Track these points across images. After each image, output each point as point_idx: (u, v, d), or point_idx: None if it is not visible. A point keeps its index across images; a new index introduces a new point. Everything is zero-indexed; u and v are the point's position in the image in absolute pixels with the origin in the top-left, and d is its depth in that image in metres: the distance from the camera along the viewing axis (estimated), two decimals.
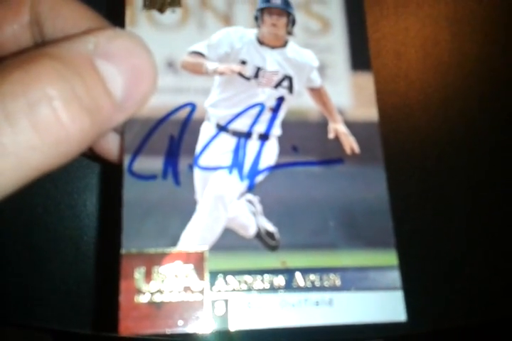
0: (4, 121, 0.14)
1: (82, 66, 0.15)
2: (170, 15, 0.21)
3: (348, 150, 0.20)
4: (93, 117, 0.15)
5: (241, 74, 0.21)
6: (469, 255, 0.33)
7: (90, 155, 0.22)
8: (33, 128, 0.14)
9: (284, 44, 0.22)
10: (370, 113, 0.21)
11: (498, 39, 0.38)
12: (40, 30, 0.21)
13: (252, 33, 0.22)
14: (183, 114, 0.20)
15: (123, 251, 0.18)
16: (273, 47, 0.22)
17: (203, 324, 0.17)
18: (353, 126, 0.21)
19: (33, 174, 0.15)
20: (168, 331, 0.17)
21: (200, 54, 0.21)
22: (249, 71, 0.21)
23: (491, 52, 0.37)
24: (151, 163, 0.19)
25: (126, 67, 0.17)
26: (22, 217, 0.30)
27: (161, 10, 0.22)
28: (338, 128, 0.21)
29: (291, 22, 0.22)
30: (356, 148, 0.20)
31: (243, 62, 0.21)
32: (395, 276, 0.19)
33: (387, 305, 0.18)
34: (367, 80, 0.22)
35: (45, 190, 0.31)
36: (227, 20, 0.22)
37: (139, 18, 0.21)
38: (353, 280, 0.18)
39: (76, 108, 0.15)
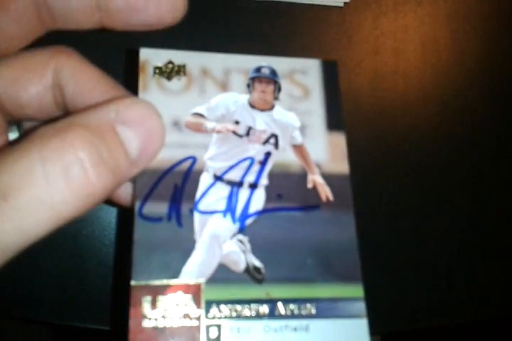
0: (44, 182, 0.17)
1: (106, 133, 0.19)
2: (176, 82, 0.26)
3: (323, 198, 0.24)
4: (114, 174, 0.19)
5: (235, 133, 0.25)
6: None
7: (108, 201, 0.25)
8: (67, 187, 0.17)
9: (271, 107, 0.26)
10: (342, 167, 0.25)
11: (497, 36, 0.38)
12: (61, 91, 0.24)
13: (244, 98, 0.26)
14: (185, 165, 0.24)
15: (132, 282, 0.21)
16: (262, 110, 0.26)
17: None
18: (328, 178, 0.25)
19: (63, 222, 0.18)
20: None
21: (201, 115, 0.25)
22: (241, 130, 0.25)
23: (489, 49, 0.37)
24: (158, 208, 0.23)
25: (142, 130, 0.20)
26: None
27: (169, 78, 0.26)
28: (315, 179, 0.25)
29: (278, 89, 0.27)
30: (331, 197, 0.24)
31: (237, 122, 0.25)
32: (361, 306, 0.22)
33: (354, 331, 0.21)
34: (340, 139, 0.26)
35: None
36: (224, 86, 0.26)
37: (150, 84, 0.25)
38: (326, 309, 0.22)
39: (102, 168, 0.18)
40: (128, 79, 0.26)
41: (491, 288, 0.35)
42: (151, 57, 0.26)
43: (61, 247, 0.32)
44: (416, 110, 0.37)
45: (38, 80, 0.23)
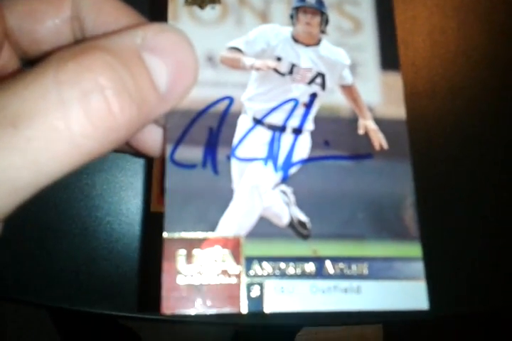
0: (60, 107, 0.15)
1: (130, 59, 0.16)
2: (210, 12, 0.22)
3: (377, 146, 0.21)
4: (140, 108, 0.16)
5: (276, 70, 0.22)
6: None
7: (133, 150, 0.23)
8: (85, 116, 0.15)
9: (318, 42, 0.23)
10: (398, 111, 0.22)
11: (504, 27, 0.38)
12: (80, 25, 0.21)
13: (287, 30, 0.23)
14: (221, 106, 0.21)
15: (165, 234, 0.19)
16: (307, 45, 0.23)
17: (239, 305, 0.18)
18: (381, 123, 0.22)
19: (84, 159, 0.16)
20: (207, 311, 0.18)
21: (238, 49, 0.22)
22: (284, 67, 0.22)
23: (497, 40, 0.38)
24: (192, 153, 0.20)
25: (171, 60, 0.17)
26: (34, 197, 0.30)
27: (202, 6, 0.22)
28: (367, 124, 0.22)
29: (325, 21, 0.23)
30: (385, 145, 0.21)
31: (278, 59, 0.22)
32: (418, 267, 0.20)
33: (410, 294, 0.19)
34: (396, 79, 0.23)
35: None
36: (264, 17, 0.23)
37: (180, 14, 0.22)
38: (380, 269, 0.19)
39: (125, 98, 0.16)
40: (154, 9, 0.22)
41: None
42: None
43: (73, 232, 0.30)
44: (424, 100, 0.37)
45: (55, 12, 0.21)
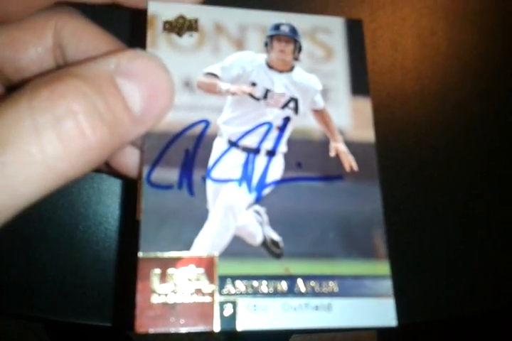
0: (33, 133, 0.15)
1: (103, 84, 0.17)
2: (187, 39, 0.23)
3: (347, 168, 0.22)
4: (112, 129, 0.17)
5: (251, 95, 0.23)
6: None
7: (112, 171, 0.23)
8: (58, 139, 0.16)
9: (291, 69, 0.24)
10: (367, 134, 0.23)
11: (494, 29, 0.38)
12: (62, 53, 0.22)
13: (262, 57, 0.24)
14: (197, 129, 0.22)
15: (140, 254, 0.19)
16: (281, 71, 0.24)
17: (212, 324, 0.18)
18: (352, 146, 0.23)
19: (59, 181, 0.16)
20: (181, 329, 0.18)
21: (214, 75, 0.23)
22: (258, 92, 0.23)
23: (487, 42, 0.38)
24: (168, 174, 0.21)
25: (145, 84, 0.18)
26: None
27: (179, 34, 0.23)
28: (338, 147, 0.23)
29: (298, 49, 0.24)
30: (355, 166, 0.22)
31: (253, 84, 0.23)
32: (387, 285, 0.20)
33: (379, 311, 0.20)
34: (365, 104, 0.24)
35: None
36: (239, 45, 0.24)
37: (159, 41, 0.23)
38: (350, 287, 0.20)
39: (97, 121, 0.16)
40: (134, 36, 0.23)
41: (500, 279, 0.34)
42: (161, 10, 0.23)
43: (59, 241, 0.30)
44: (413, 102, 0.37)
45: (38, 41, 0.21)
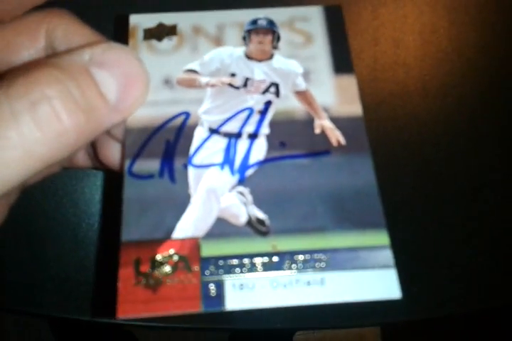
0: (11, 118, 0.16)
1: (78, 72, 0.18)
2: (167, 43, 0.24)
3: (334, 143, 0.21)
4: (88, 115, 0.18)
5: (231, 85, 0.23)
6: (462, 237, 0.32)
7: (94, 165, 0.24)
8: (35, 123, 0.16)
9: (270, 57, 0.24)
10: (354, 108, 0.22)
11: (496, 26, 0.38)
12: (54, 53, 0.24)
13: (240, 50, 0.24)
14: (178, 121, 0.22)
15: (122, 240, 0.19)
16: (260, 60, 0.24)
17: (198, 305, 0.18)
18: (338, 121, 0.22)
19: (38, 165, 0.17)
20: (165, 313, 0.18)
21: (194, 71, 0.24)
22: (238, 81, 0.23)
23: (489, 39, 0.37)
24: (149, 165, 0.21)
25: (119, 73, 0.19)
26: (19, 204, 0.31)
27: (159, 39, 0.24)
28: (323, 123, 0.22)
29: (276, 38, 0.24)
30: (342, 140, 0.21)
31: (233, 75, 0.23)
32: (387, 255, 0.19)
33: (380, 283, 0.18)
34: (350, 81, 0.23)
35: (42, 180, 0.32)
36: (218, 42, 0.24)
37: (140, 47, 0.24)
38: (344, 260, 0.19)
39: (72, 106, 0.17)
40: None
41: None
42: (141, 21, 0.25)
43: (62, 239, 0.31)
44: (416, 100, 0.37)
45: (30, 43, 0.23)
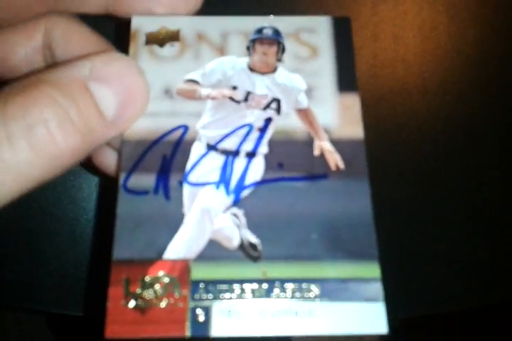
0: (5, 141, 0.16)
1: (76, 90, 0.17)
2: (169, 49, 0.24)
3: (333, 167, 0.21)
4: (85, 135, 0.17)
5: (232, 99, 0.23)
6: (461, 234, 0.33)
7: (91, 168, 0.24)
8: (30, 147, 0.16)
9: (274, 70, 0.23)
10: (355, 131, 0.22)
11: (495, 22, 0.38)
12: (51, 53, 0.23)
13: (243, 61, 0.24)
14: (176, 135, 0.22)
15: (113, 259, 0.19)
16: (263, 73, 0.23)
17: (184, 330, 0.18)
18: (338, 144, 0.22)
19: (31, 185, 0.17)
20: (152, 336, 0.18)
21: (194, 81, 0.23)
22: (239, 95, 0.23)
23: (488, 36, 0.37)
24: (144, 180, 0.21)
25: (119, 88, 0.19)
26: (17, 201, 0.31)
27: (161, 44, 0.24)
28: (323, 145, 0.22)
29: (281, 50, 0.24)
30: (341, 164, 0.21)
31: (234, 88, 0.23)
32: (377, 288, 0.19)
33: (368, 317, 0.18)
34: (353, 101, 0.23)
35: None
36: (221, 51, 0.24)
37: (141, 52, 0.23)
38: (334, 291, 0.19)
39: (69, 128, 0.17)
40: (117, 48, 0.24)
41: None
42: (144, 24, 0.24)
43: (60, 235, 0.31)
44: (415, 96, 0.36)
45: (27, 42, 0.22)
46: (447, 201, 0.34)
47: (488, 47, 0.37)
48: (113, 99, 0.18)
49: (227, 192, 0.21)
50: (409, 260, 0.33)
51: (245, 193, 0.21)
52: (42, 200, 0.32)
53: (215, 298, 0.18)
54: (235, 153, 0.21)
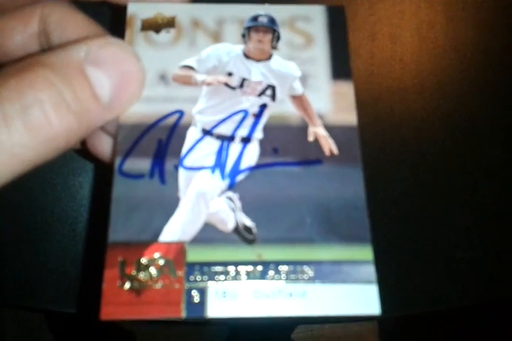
0: (2, 122, 0.16)
1: (72, 73, 0.17)
2: (164, 35, 0.24)
3: (327, 152, 0.21)
4: (80, 118, 0.17)
5: (227, 85, 0.23)
6: (459, 232, 0.33)
7: (86, 155, 0.24)
8: (25, 128, 0.16)
9: (269, 57, 0.24)
10: (349, 118, 0.22)
11: (492, 22, 0.38)
12: (47, 39, 0.23)
13: (239, 48, 0.24)
14: (171, 120, 0.22)
15: (109, 241, 0.19)
16: (258, 60, 0.23)
17: (180, 311, 0.18)
18: (332, 130, 0.22)
19: (25, 167, 0.17)
20: (147, 317, 0.18)
21: (190, 67, 0.23)
22: (235, 81, 0.23)
23: (485, 35, 0.38)
24: (140, 164, 0.21)
25: (114, 72, 0.19)
26: (18, 199, 0.31)
27: (157, 31, 0.24)
28: (317, 131, 0.22)
29: (276, 38, 0.24)
30: (335, 150, 0.21)
31: (230, 74, 0.23)
32: (369, 270, 0.19)
33: (361, 299, 0.18)
34: (347, 88, 0.23)
35: (41, 174, 0.32)
36: (216, 37, 0.24)
37: (136, 38, 0.23)
38: (327, 273, 0.19)
39: (64, 110, 0.17)
40: (113, 34, 0.24)
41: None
42: (139, 11, 0.24)
43: (60, 233, 0.31)
44: (412, 96, 0.37)
45: (23, 28, 0.22)
46: (445, 199, 0.34)
47: (485, 46, 0.37)
48: (108, 83, 0.18)
49: (223, 176, 0.21)
50: (407, 259, 0.33)
51: (240, 177, 0.21)
52: (42, 199, 0.32)
53: (210, 279, 0.19)
54: (230, 138, 0.22)
